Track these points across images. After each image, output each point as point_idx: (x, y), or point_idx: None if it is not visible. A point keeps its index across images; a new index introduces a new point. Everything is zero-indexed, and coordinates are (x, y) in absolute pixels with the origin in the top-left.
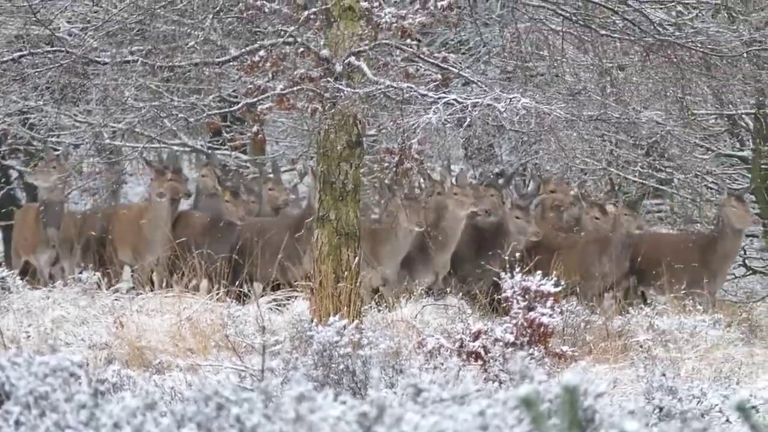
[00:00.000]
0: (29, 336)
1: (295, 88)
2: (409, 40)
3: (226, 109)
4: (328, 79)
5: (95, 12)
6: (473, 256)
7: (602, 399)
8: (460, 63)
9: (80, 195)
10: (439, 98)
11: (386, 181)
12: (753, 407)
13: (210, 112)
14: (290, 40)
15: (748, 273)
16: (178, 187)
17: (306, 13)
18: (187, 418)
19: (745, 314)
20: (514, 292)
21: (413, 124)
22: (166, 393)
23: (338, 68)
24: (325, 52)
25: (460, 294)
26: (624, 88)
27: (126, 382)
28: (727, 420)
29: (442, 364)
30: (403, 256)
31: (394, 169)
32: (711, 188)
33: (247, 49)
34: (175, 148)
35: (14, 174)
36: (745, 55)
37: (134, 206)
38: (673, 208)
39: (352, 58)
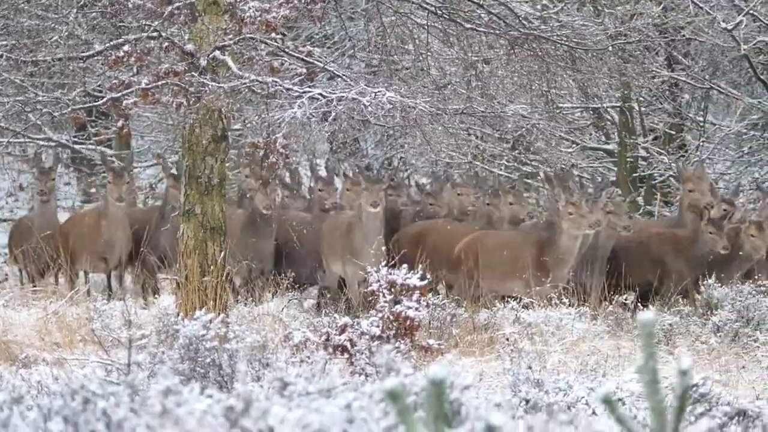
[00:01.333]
0: None
1: (159, 83)
2: (273, 34)
3: (91, 104)
4: (193, 73)
5: None
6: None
7: (468, 392)
8: (325, 57)
9: None
10: (304, 92)
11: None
12: (619, 400)
13: (75, 107)
14: (154, 34)
15: None
16: (135, 191)
17: (170, 7)
18: (53, 412)
19: (611, 307)
20: (380, 285)
21: (278, 119)
22: (32, 387)
23: (203, 63)
24: (189, 47)
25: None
26: (489, 82)
27: None
28: (594, 412)
29: (309, 357)
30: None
31: (261, 162)
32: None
33: (112, 43)
34: (40, 143)
35: None
36: (610, 48)
37: (88, 212)
38: (539, 201)
39: (217, 53)
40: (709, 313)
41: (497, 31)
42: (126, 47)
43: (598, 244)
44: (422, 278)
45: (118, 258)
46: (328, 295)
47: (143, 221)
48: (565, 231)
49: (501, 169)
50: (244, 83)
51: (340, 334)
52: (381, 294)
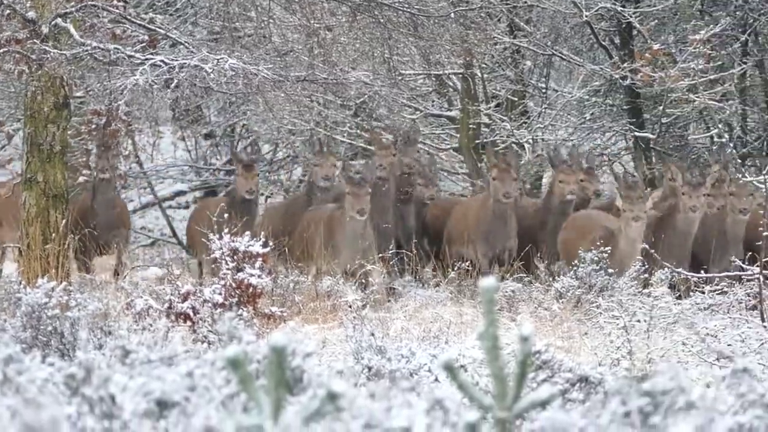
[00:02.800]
0: None
1: (1, 51)
2: (116, 2)
3: None
4: (35, 40)
5: None
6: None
7: (310, 359)
8: (168, 24)
9: None
10: (146, 60)
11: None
12: (461, 366)
13: None
14: None
15: None
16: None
17: None
18: None
19: (454, 274)
20: (223, 253)
21: (120, 86)
22: None
23: (45, 30)
24: (31, 14)
25: None
26: (331, 49)
27: None
28: (436, 379)
29: (151, 325)
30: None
31: (102, 130)
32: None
33: None
34: None
35: None
36: (452, 15)
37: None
38: None
39: (59, 20)
40: (551, 280)
41: None
42: None
43: None
44: (265, 245)
45: None
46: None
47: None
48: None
49: (344, 136)
50: (86, 50)
51: (182, 302)
52: (223, 261)
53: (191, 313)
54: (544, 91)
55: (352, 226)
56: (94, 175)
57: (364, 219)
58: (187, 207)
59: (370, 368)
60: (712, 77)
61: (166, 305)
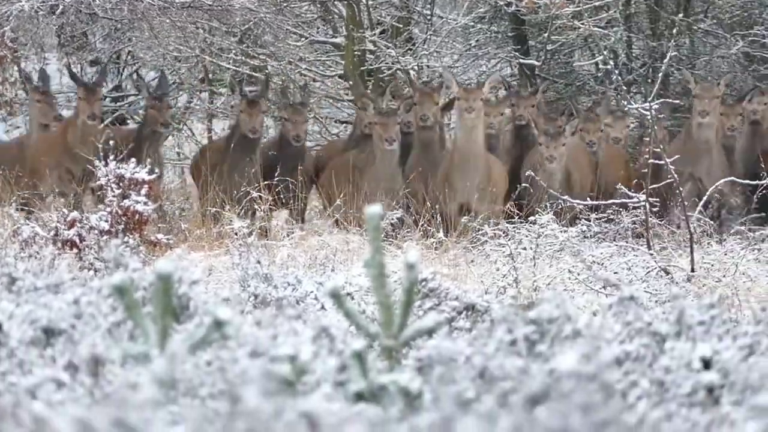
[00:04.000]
0: None
1: None
2: None
3: None
4: None
5: None
6: None
7: (197, 286)
8: None
9: None
10: None
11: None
12: (347, 294)
13: None
14: None
15: None
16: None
17: None
18: None
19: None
20: (109, 180)
21: (6, 12)
22: None
23: None
24: None
25: None
26: None
27: None
28: (323, 307)
29: (38, 252)
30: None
31: None
32: (304, 75)
33: None
34: None
35: None
36: None
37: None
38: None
39: None
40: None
41: None
42: None
43: None
44: (150, 172)
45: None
46: None
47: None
48: None
49: (229, 63)
50: None
51: (68, 229)
52: (109, 188)
53: (77, 241)
54: (429, 17)
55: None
56: None
57: (395, 148)
58: None
59: (256, 296)
60: (597, 4)
61: (53, 233)
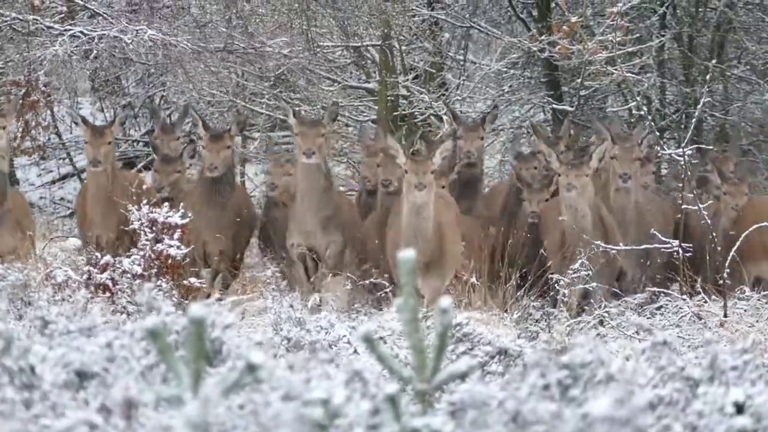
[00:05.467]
0: None
1: None
2: None
3: None
4: None
5: None
6: None
7: (230, 330)
8: None
9: None
10: (65, 30)
11: None
12: (380, 338)
13: None
14: None
15: None
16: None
17: None
18: None
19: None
20: (142, 224)
21: (40, 57)
22: None
23: None
24: None
25: None
26: (250, 20)
27: None
28: (355, 351)
29: (71, 296)
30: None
31: (20, 101)
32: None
33: None
34: None
35: None
36: None
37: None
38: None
39: None
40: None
41: None
42: None
43: None
44: (183, 216)
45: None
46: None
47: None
48: None
49: (262, 108)
50: (5, 21)
51: (101, 273)
52: (142, 232)
53: (110, 284)
54: (462, 63)
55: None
56: None
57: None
58: None
59: (289, 339)
60: (630, 50)
61: (86, 276)
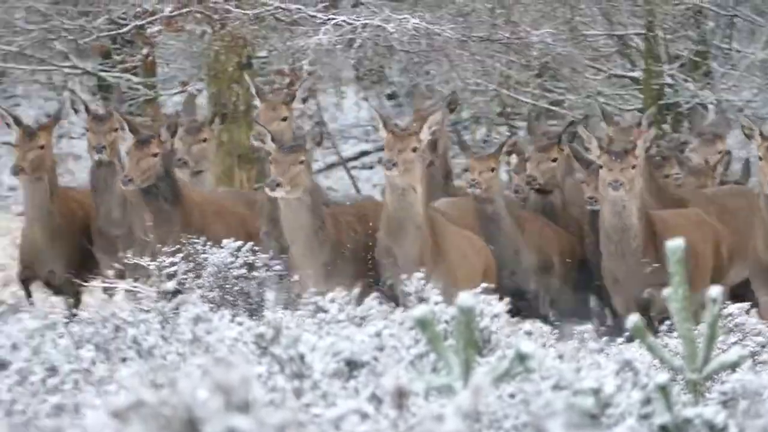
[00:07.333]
0: None
1: (184, 11)
2: None
3: (116, 32)
4: (217, 0)
5: None
6: None
7: (498, 320)
8: None
9: None
10: (328, 19)
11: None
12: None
13: (99, 35)
14: None
15: None
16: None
17: None
18: (85, 339)
19: None
20: None
21: (303, 46)
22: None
23: None
24: None
25: None
26: (513, 9)
27: (24, 304)
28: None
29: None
30: None
31: (285, 90)
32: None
33: None
34: (66, 70)
35: None
36: None
37: None
38: None
39: None
40: None
41: None
42: None
43: None
44: None
45: None
46: None
47: None
48: None
49: (528, 97)
50: (268, 10)
51: None
52: None
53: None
54: (727, 51)
55: None
56: None
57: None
58: (371, 168)
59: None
60: None
61: None
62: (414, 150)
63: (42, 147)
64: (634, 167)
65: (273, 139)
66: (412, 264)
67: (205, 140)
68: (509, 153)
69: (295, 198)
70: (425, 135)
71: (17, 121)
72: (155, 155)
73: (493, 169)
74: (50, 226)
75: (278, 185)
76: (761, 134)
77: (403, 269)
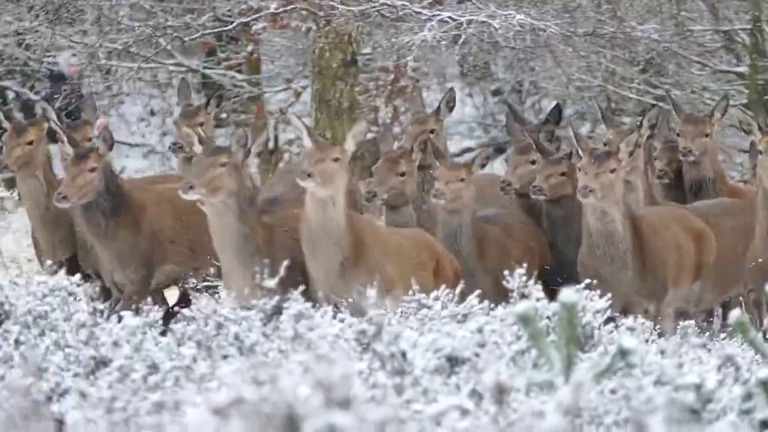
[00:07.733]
0: (30, 259)
1: (288, 7)
2: None
3: (221, 29)
4: None
5: None
6: None
7: (600, 316)
8: None
9: None
10: (433, 15)
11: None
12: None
13: (204, 32)
14: None
15: None
16: None
17: None
18: (186, 336)
19: None
20: None
21: (408, 42)
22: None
23: None
24: None
25: None
26: (619, 4)
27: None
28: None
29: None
30: None
31: (389, 87)
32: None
33: None
34: (171, 68)
35: (11, 95)
36: None
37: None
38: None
39: None
40: None
41: None
42: None
43: None
44: None
45: None
46: None
47: None
48: None
49: (632, 93)
50: (374, 7)
51: None
52: None
53: None
54: None
55: None
56: None
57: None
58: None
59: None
60: None
61: None
62: (335, 161)
63: (30, 143)
64: (613, 171)
65: (201, 141)
66: (332, 275)
67: (201, 124)
68: (482, 166)
69: (220, 202)
70: (350, 146)
71: (8, 117)
72: (93, 170)
73: (462, 180)
74: (49, 221)
75: (191, 187)
76: (760, 128)
77: (320, 283)
